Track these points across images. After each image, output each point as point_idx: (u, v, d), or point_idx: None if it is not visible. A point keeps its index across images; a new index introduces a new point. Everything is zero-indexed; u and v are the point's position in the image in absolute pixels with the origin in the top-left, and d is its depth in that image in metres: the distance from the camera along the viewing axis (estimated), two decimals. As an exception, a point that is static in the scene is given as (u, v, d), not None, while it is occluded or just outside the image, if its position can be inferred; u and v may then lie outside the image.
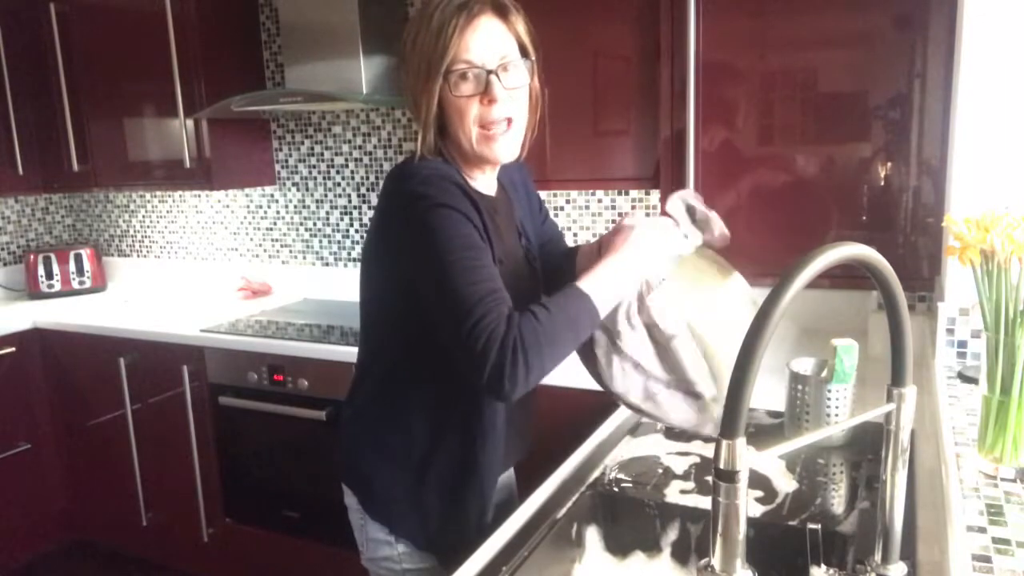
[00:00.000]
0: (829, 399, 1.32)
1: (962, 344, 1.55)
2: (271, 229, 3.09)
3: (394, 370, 1.27)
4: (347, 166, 2.86)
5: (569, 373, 1.29)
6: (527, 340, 1.01)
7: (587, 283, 1.09)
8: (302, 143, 2.93)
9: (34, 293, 3.17)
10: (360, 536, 1.35)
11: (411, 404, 1.26)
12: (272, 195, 3.05)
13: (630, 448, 1.41)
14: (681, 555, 1.19)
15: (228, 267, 3.21)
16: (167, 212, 3.34)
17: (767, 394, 1.53)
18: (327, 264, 3.00)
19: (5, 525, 2.75)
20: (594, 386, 1.78)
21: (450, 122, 1.17)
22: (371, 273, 1.24)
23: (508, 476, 1.50)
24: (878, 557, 0.87)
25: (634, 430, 1.49)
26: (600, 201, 2.44)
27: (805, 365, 1.42)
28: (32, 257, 3.17)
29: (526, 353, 1.00)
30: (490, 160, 1.20)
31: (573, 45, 1.98)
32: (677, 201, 1.20)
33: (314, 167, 2.93)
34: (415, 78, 1.15)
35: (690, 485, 1.25)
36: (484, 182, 1.25)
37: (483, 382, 1.02)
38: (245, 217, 3.14)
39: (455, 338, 1.04)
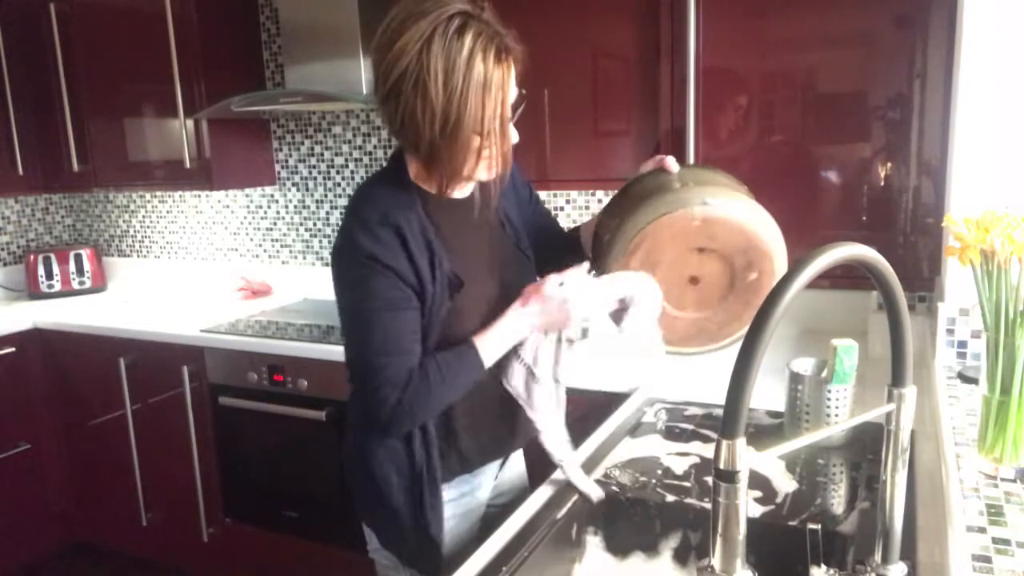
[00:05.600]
0: (829, 399, 1.32)
1: (962, 344, 1.55)
2: (271, 229, 3.09)
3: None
4: (347, 166, 2.86)
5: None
6: (414, 410, 1.16)
7: (483, 341, 1.18)
8: (302, 143, 2.94)
9: (34, 293, 3.17)
10: (365, 527, 1.36)
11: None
12: (272, 195, 3.05)
13: (630, 448, 1.41)
14: (681, 555, 1.19)
15: (228, 267, 3.21)
16: (167, 212, 3.34)
17: (767, 394, 1.53)
18: (327, 264, 2.99)
19: (5, 525, 2.75)
20: (595, 387, 1.78)
21: (452, 159, 1.13)
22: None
23: (519, 477, 1.50)
24: (878, 557, 0.87)
25: (634, 430, 1.49)
26: (600, 201, 2.44)
27: (805, 365, 1.42)
28: (32, 257, 3.17)
29: (412, 417, 1.17)
30: (482, 180, 1.21)
31: (573, 45, 1.98)
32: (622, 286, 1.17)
33: (314, 167, 2.93)
34: (440, 125, 1.08)
35: (690, 486, 1.25)
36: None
37: (377, 428, 1.22)
38: (245, 217, 3.14)
39: (359, 389, 1.19)
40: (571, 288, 1.16)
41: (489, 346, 1.19)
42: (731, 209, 1.12)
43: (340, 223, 1.20)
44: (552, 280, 1.18)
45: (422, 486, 1.24)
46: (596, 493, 1.21)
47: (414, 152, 1.16)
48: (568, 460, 1.24)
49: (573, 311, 1.17)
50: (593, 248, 1.30)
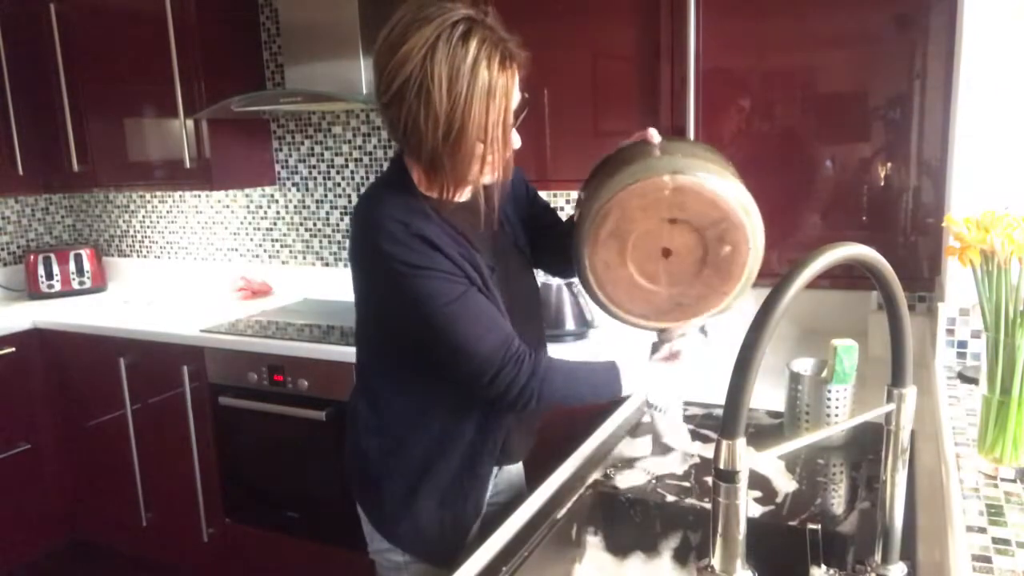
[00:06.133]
0: (829, 399, 1.32)
1: (962, 344, 1.55)
2: (271, 229, 3.09)
3: (388, 380, 1.28)
4: (347, 166, 2.86)
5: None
6: (544, 387, 1.17)
7: (625, 369, 1.23)
8: (302, 143, 2.93)
9: (34, 293, 3.17)
10: (365, 528, 1.36)
11: (405, 414, 1.27)
12: (272, 195, 3.05)
13: (630, 448, 1.41)
14: (681, 555, 1.19)
15: (228, 267, 3.21)
16: (167, 212, 3.34)
17: (767, 394, 1.53)
18: (327, 264, 3.00)
19: (5, 525, 2.75)
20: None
21: (455, 167, 1.14)
22: (355, 293, 1.26)
23: (518, 475, 1.50)
24: (878, 557, 0.86)
25: (634, 430, 1.49)
26: (600, 201, 2.44)
27: (805, 365, 1.42)
28: (32, 257, 3.17)
29: (540, 390, 1.17)
30: (483, 183, 1.21)
31: (573, 45, 1.98)
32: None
33: (314, 167, 2.93)
34: (444, 131, 1.08)
35: (690, 486, 1.25)
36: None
37: (499, 409, 1.23)
38: (245, 217, 3.14)
39: (473, 388, 1.17)
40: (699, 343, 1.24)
41: (630, 376, 1.24)
42: (702, 179, 1.10)
43: (357, 240, 1.18)
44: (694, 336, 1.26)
45: (473, 475, 1.28)
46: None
47: (416, 158, 1.15)
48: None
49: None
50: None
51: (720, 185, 1.10)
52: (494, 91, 1.07)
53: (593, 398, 1.24)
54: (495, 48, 1.07)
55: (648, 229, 1.14)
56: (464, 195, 1.25)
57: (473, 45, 1.05)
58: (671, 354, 1.24)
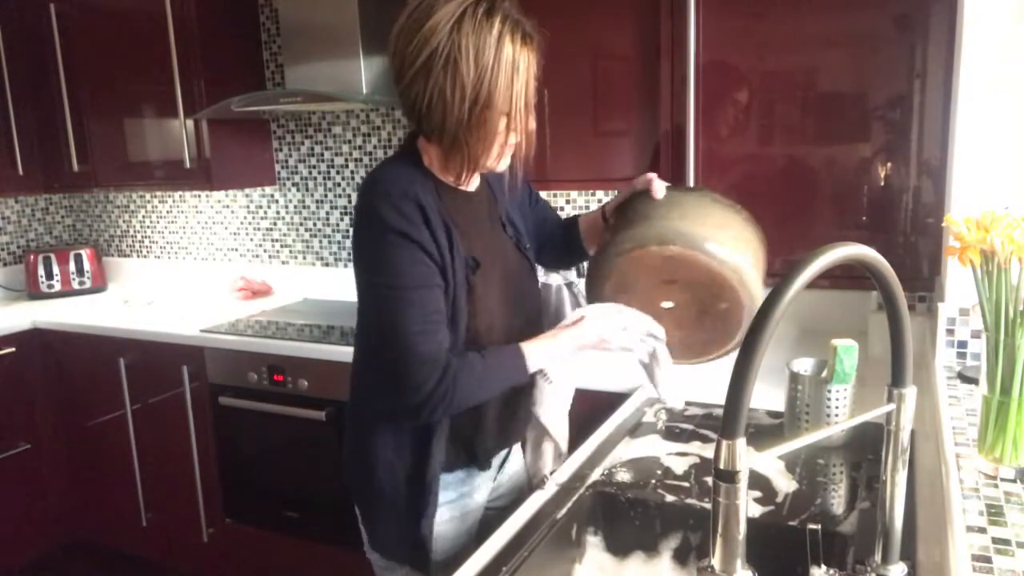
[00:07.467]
0: (829, 399, 1.32)
1: (962, 344, 1.55)
2: (271, 229, 3.09)
3: (374, 376, 1.28)
4: (347, 166, 2.86)
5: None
6: (450, 396, 1.12)
7: (530, 348, 1.19)
8: (302, 143, 2.94)
9: (34, 293, 3.17)
10: (361, 526, 1.36)
11: (373, 414, 1.26)
12: (272, 195, 3.05)
13: (630, 448, 1.41)
14: (681, 556, 1.19)
15: (228, 267, 3.21)
16: (167, 212, 3.34)
17: (767, 394, 1.53)
18: (327, 264, 3.00)
19: (5, 525, 2.75)
20: (595, 387, 1.79)
21: (477, 143, 1.14)
22: (356, 286, 1.25)
23: (520, 478, 1.50)
24: (878, 557, 0.87)
25: (634, 431, 1.49)
26: (600, 201, 2.44)
27: (805, 365, 1.42)
28: (32, 257, 3.17)
29: (446, 403, 1.13)
30: (496, 171, 1.21)
31: (573, 45, 1.98)
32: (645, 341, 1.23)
33: (314, 167, 2.93)
34: (471, 103, 1.09)
35: (690, 486, 1.25)
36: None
37: (406, 414, 1.17)
38: (245, 217, 3.14)
39: (391, 375, 1.13)
40: (616, 318, 1.21)
41: (535, 355, 1.20)
42: (692, 250, 1.14)
43: (358, 207, 1.17)
44: (600, 308, 1.23)
45: (421, 482, 1.24)
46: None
47: (438, 136, 1.14)
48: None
49: (614, 340, 1.21)
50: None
51: (709, 251, 1.14)
52: (518, 64, 1.11)
53: (503, 388, 1.22)
54: (516, 25, 1.11)
55: (647, 286, 1.21)
56: (473, 184, 1.25)
57: (497, 20, 1.09)
58: (574, 322, 1.22)
